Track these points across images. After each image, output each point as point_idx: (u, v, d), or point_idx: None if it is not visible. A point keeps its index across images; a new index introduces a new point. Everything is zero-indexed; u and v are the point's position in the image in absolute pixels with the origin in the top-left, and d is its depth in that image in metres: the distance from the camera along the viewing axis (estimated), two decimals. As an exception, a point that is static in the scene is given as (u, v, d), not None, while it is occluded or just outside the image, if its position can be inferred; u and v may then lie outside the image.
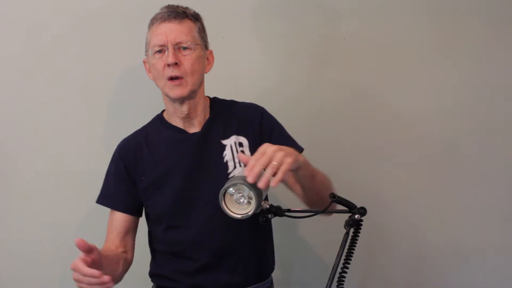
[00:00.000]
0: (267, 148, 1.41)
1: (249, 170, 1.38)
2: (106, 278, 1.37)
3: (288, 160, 1.39)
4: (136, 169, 1.72)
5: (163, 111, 1.81)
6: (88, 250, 1.40)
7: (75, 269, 1.39)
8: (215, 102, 1.80)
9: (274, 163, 1.38)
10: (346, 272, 1.49)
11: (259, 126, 1.75)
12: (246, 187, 1.43)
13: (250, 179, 1.38)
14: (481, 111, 2.34)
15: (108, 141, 2.07)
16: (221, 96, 1.85)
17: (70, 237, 2.09)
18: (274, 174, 1.38)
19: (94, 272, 1.37)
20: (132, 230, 1.75)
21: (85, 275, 1.37)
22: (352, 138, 2.29)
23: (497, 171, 2.34)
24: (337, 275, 1.48)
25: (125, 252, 1.73)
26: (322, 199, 1.61)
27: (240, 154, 1.64)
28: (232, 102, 1.82)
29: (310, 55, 2.27)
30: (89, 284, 1.38)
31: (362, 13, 2.28)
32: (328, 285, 1.47)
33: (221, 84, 1.94)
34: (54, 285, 2.13)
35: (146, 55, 1.73)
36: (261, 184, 1.38)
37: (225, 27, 2.14)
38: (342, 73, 2.29)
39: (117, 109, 2.13)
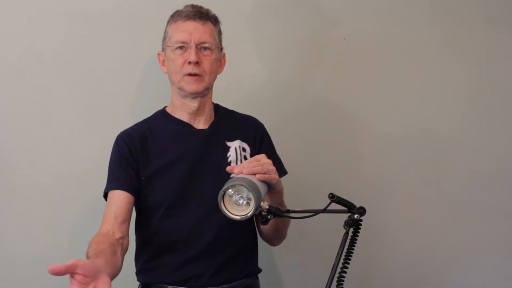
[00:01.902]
0: (262, 158, 1.60)
1: (239, 166, 1.54)
2: None
3: (275, 175, 1.58)
4: (142, 156, 1.73)
5: (164, 107, 1.84)
6: (70, 269, 1.22)
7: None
8: (219, 108, 1.86)
9: (264, 168, 1.55)
10: (345, 272, 1.49)
11: (260, 141, 1.83)
12: (245, 189, 1.44)
13: (236, 170, 1.53)
14: (481, 111, 2.35)
15: (108, 142, 2.06)
16: (222, 95, 1.87)
17: (70, 237, 2.12)
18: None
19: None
20: (130, 213, 1.71)
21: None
22: (352, 138, 2.30)
23: (497, 171, 2.35)
24: (336, 275, 1.49)
25: (123, 237, 1.65)
26: (277, 235, 1.83)
27: (229, 166, 1.65)
28: (234, 112, 1.89)
29: (310, 55, 2.27)
30: None
31: (362, 13, 2.28)
32: (328, 285, 1.47)
33: (222, 83, 1.94)
34: (53, 285, 2.13)
35: (163, 48, 1.78)
36: (245, 171, 1.51)
37: (225, 27, 2.14)
38: (342, 73, 2.29)
39: (118, 110, 2.13)
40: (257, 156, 1.61)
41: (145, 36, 2.11)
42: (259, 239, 1.86)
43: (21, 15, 2.07)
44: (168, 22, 1.76)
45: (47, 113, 2.10)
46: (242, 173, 1.51)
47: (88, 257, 1.46)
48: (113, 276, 1.46)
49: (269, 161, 1.59)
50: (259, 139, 1.83)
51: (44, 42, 2.08)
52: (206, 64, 1.72)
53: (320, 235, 2.20)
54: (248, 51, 2.22)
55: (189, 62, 1.69)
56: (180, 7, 1.76)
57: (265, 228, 1.79)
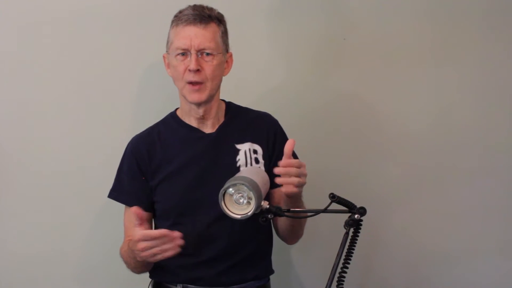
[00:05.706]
0: (302, 167, 1.56)
1: (285, 172, 1.53)
2: (176, 233, 1.50)
3: (300, 188, 1.57)
4: (150, 166, 1.74)
5: (176, 109, 1.83)
6: (142, 219, 1.54)
7: (144, 238, 1.49)
8: (230, 107, 1.83)
9: (296, 179, 1.54)
10: (346, 272, 1.50)
11: (274, 138, 1.80)
12: (245, 188, 1.44)
13: (283, 184, 1.54)
14: (481, 111, 2.34)
15: (109, 141, 2.07)
16: (223, 95, 1.86)
17: (72, 237, 2.12)
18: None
19: (163, 231, 1.50)
20: (150, 225, 1.77)
21: (155, 237, 1.49)
22: (352, 138, 2.29)
23: (497, 171, 2.35)
24: (336, 275, 1.49)
25: None
26: (292, 235, 1.80)
27: (290, 140, 1.61)
28: (247, 110, 1.85)
29: (310, 55, 2.27)
30: (162, 244, 1.49)
31: (362, 13, 2.28)
32: (328, 285, 1.47)
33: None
34: (55, 285, 2.13)
35: (167, 51, 1.74)
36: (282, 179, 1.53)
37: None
38: (343, 73, 2.29)
39: (118, 109, 2.13)
40: (302, 162, 1.57)
41: (148, 35, 2.10)
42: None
43: (22, 14, 2.07)
44: (171, 24, 1.72)
45: (47, 113, 2.10)
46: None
47: (122, 251, 1.74)
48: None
49: (305, 172, 1.56)
50: (272, 138, 1.79)
51: (46, 41, 2.08)
52: (208, 70, 1.68)
53: (320, 235, 2.20)
54: (246, 52, 2.21)
55: (190, 70, 1.66)
56: (184, 5, 1.72)
57: (281, 227, 1.78)
